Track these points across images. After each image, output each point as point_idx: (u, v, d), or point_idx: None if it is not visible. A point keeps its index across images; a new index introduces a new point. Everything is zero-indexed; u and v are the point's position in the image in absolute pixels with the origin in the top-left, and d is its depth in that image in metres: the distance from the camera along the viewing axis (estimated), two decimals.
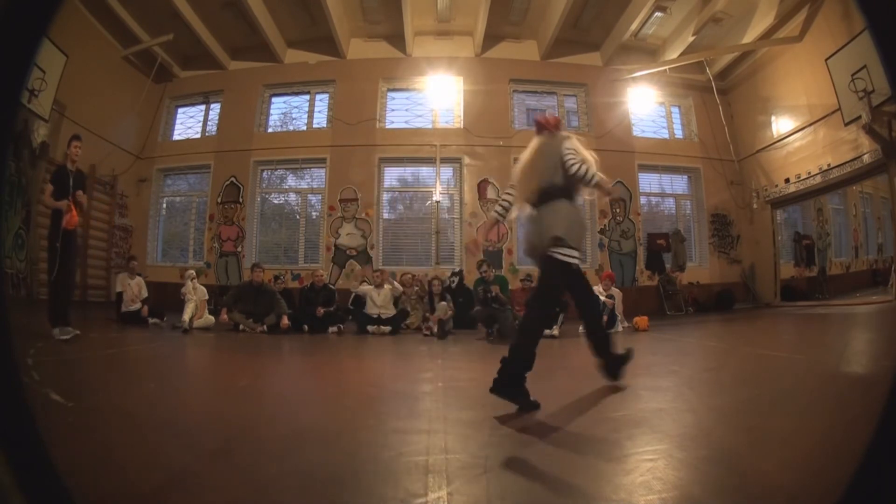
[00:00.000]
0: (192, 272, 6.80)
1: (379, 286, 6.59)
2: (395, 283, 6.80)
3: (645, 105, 9.93)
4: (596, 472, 1.46)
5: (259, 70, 9.74)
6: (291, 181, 10.02)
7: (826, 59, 7.18)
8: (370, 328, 6.31)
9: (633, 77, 9.59)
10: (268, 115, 9.99)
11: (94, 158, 7.89)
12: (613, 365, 2.76)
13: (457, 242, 9.37)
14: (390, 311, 6.52)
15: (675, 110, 10.39)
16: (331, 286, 7.25)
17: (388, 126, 9.66)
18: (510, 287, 6.81)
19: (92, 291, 8.15)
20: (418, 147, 9.36)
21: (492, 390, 2.20)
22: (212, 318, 6.47)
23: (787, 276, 9.84)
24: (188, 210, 10.10)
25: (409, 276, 7.35)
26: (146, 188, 9.66)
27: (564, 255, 2.44)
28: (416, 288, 7.07)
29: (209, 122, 10.00)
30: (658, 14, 8.69)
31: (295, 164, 9.75)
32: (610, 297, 6.14)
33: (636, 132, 9.92)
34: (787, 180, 8.80)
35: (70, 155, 4.57)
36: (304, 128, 9.84)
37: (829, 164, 7.87)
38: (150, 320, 6.49)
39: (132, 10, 8.26)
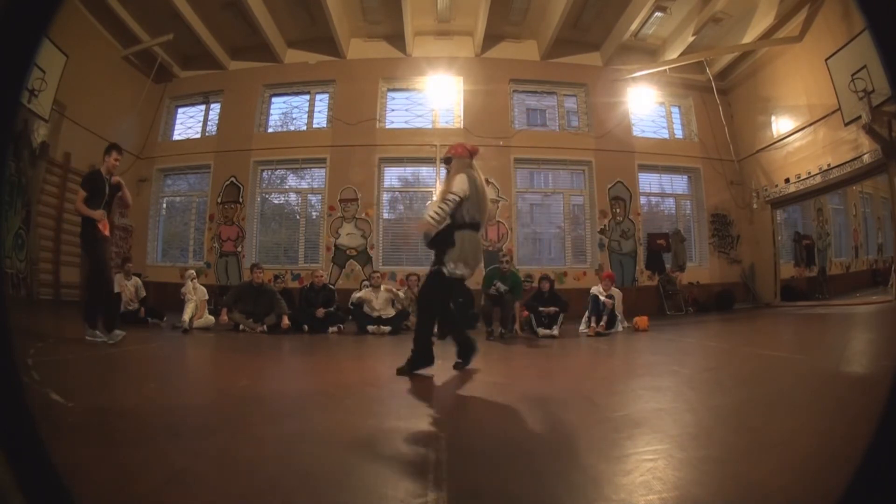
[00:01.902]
0: (192, 272, 6.79)
1: (376, 287, 6.57)
2: (394, 288, 6.74)
3: (645, 105, 9.93)
4: (596, 472, 1.46)
5: (259, 70, 9.74)
6: (291, 181, 10.03)
7: (826, 59, 7.18)
8: (370, 328, 6.31)
9: (633, 77, 9.59)
10: (268, 115, 9.99)
11: (94, 158, 7.88)
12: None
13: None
14: (390, 313, 6.52)
15: (675, 110, 10.39)
16: (330, 286, 7.25)
17: (388, 126, 9.66)
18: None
19: None
20: (418, 147, 9.36)
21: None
22: (212, 318, 6.47)
23: (787, 276, 9.83)
24: (188, 210, 10.10)
25: (415, 277, 7.30)
26: (146, 188, 9.66)
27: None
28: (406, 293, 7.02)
29: (209, 122, 10.00)
30: (658, 14, 8.68)
31: (295, 164, 9.76)
32: (610, 297, 6.13)
33: (636, 132, 9.92)
34: (787, 180, 8.80)
35: (108, 167, 4.50)
36: (304, 128, 9.84)
37: (829, 164, 7.87)
38: (150, 320, 6.50)
39: (132, 10, 8.25)
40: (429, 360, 3.23)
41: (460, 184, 3.19)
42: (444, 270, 3.18)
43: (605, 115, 9.64)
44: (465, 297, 6.87)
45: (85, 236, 4.40)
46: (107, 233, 4.43)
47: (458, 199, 3.17)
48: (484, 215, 3.33)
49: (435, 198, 3.62)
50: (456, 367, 3.31)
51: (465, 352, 3.34)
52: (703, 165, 9.97)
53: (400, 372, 3.15)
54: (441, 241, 3.25)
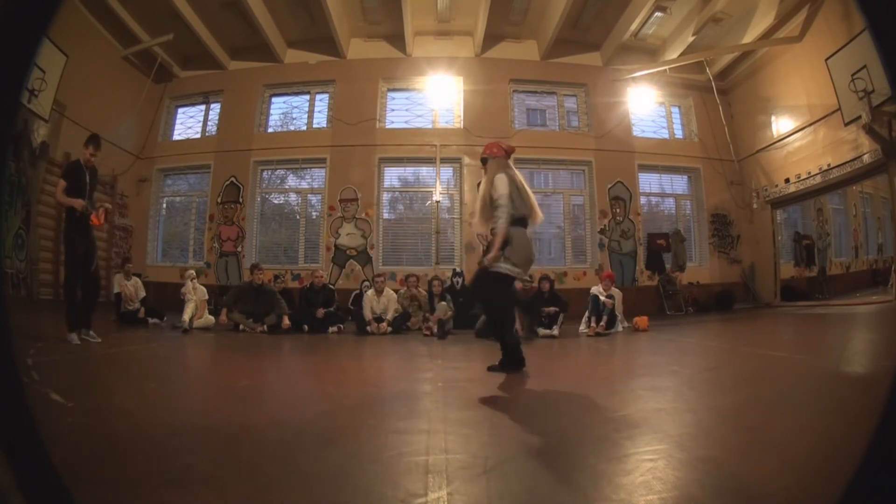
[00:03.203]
0: (192, 272, 6.80)
1: (380, 292, 6.56)
2: (395, 298, 6.70)
3: (645, 105, 9.93)
4: (596, 472, 1.46)
5: (259, 70, 9.74)
6: (291, 181, 10.03)
7: (826, 59, 7.17)
8: (370, 328, 6.30)
9: (633, 77, 9.59)
10: (268, 115, 9.99)
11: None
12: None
13: (457, 242, 9.37)
14: (390, 314, 6.51)
15: (675, 110, 10.39)
16: (330, 286, 7.25)
17: (388, 126, 9.66)
18: None
19: None
20: (418, 147, 9.36)
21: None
22: (212, 318, 6.47)
23: (787, 276, 9.83)
24: (188, 210, 10.10)
25: (414, 278, 7.29)
26: (146, 188, 9.66)
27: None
28: (412, 291, 6.99)
29: (209, 122, 10.00)
30: (658, 14, 8.68)
31: (295, 164, 9.76)
32: (610, 297, 6.13)
33: (636, 132, 9.92)
34: (787, 180, 8.80)
35: (84, 158, 4.42)
36: (304, 128, 9.84)
37: (829, 164, 7.87)
38: (150, 320, 6.50)
39: (132, 10, 8.26)
40: (518, 363, 3.17)
41: (501, 186, 3.19)
42: (488, 267, 3.14)
43: (605, 115, 9.64)
44: (465, 298, 6.87)
45: (68, 230, 4.31)
46: (99, 221, 4.33)
47: (508, 200, 3.15)
48: (530, 210, 3.28)
49: (477, 202, 3.56)
50: (490, 368, 3.22)
51: (506, 359, 3.22)
52: (703, 165, 9.97)
53: (491, 369, 3.18)
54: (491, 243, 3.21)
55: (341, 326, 6.51)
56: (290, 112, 10.13)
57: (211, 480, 1.41)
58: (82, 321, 4.29)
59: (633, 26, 8.84)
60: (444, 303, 6.32)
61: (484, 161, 3.42)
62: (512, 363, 3.20)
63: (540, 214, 3.33)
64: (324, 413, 2.31)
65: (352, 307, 6.82)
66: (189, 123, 10.18)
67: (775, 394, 2.53)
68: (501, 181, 3.20)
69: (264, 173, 9.87)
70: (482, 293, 3.35)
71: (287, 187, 10.04)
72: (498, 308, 3.29)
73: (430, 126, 9.66)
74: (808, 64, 7.87)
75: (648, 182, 10.09)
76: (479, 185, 3.51)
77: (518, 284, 3.55)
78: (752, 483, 1.34)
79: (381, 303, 6.50)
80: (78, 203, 4.26)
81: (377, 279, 6.78)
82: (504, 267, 3.09)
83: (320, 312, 6.40)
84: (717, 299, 9.19)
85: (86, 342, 4.24)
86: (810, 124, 8.21)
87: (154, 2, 8.04)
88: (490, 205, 3.21)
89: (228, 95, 9.82)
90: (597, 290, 6.24)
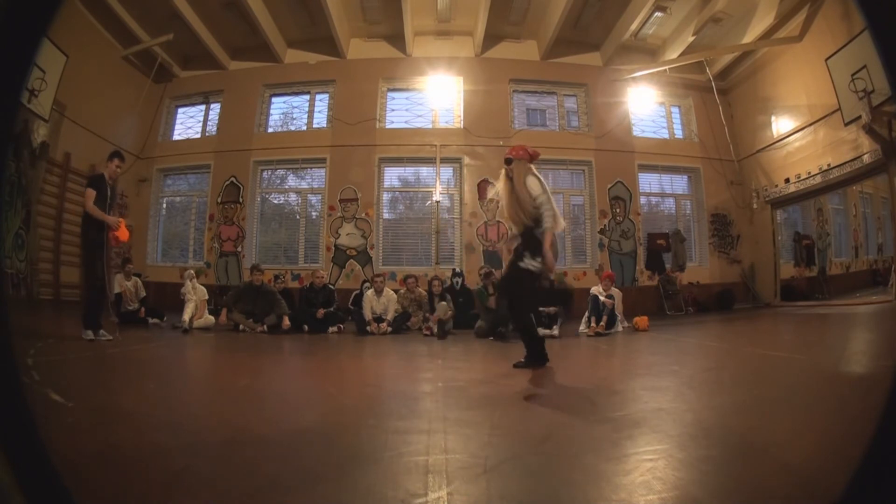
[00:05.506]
0: (192, 272, 6.80)
1: (380, 292, 6.56)
2: (395, 298, 6.69)
3: (645, 105, 9.93)
4: (596, 472, 1.46)
5: (259, 70, 9.74)
6: (291, 181, 10.03)
7: (826, 59, 7.18)
8: (370, 328, 6.30)
9: (633, 77, 9.59)
10: (268, 115, 9.99)
11: (94, 158, 7.90)
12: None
13: (457, 242, 9.37)
14: (390, 314, 6.51)
15: (675, 110, 10.39)
16: (330, 286, 7.25)
17: (388, 126, 9.66)
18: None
19: None
20: (418, 147, 9.37)
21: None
22: (212, 318, 6.47)
23: (787, 276, 9.83)
24: (188, 210, 10.10)
25: (413, 279, 7.28)
26: (146, 188, 9.66)
27: None
28: (415, 293, 6.99)
29: (209, 122, 10.00)
30: (658, 14, 8.69)
31: (295, 164, 9.76)
32: (610, 297, 6.13)
33: (636, 132, 9.92)
34: (787, 180, 8.80)
35: (110, 172, 4.62)
36: (304, 128, 9.84)
37: (829, 164, 7.87)
38: (151, 320, 6.50)
39: (132, 10, 8.26)
40: (542, 359, 3.35)
41: (536, 187, 3.35)
42: (530, 266, 3.29)
43: (605, 115, 9.65)
44: (465, 298, 6.88)
45: (86, 238, 4.49)
46: (125, 238, 4.58)
47: (548, 198, 3.34)
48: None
49: (503, 199, 3.70)
50: (515, 365, 3.36)
51: (530, 354, 3.36)
52: (703, 165, 9.98)
53: (517, 366, 3.34)
54: (530, 243, 3.36)
55: (341, 326, 6.51)
56: (290, 112, 10.13)
57: (211, 480, 1.41)
58: (98, 321, 4.45)
59: (633, 26, 8.84)
60: (444, 303, 6.32)
61: (508, 161, 3.48)
62: (536, 359, 3.34)
63: (563, 221, 3.50)
64: (324, 413, 2.31)
65: (352, 307, 6.82)
66: (189, 123, 10.19)
67: (775, 394, 2.53)
68: (535, 182, 3.34)
69: (264, 173, 9.87)
70: (513, 290, 3.48)
71: (287, 187, 10.04)
72: (526, 305, 3.48)
73: (430, 126, 9.66)
74: (808, 64, 7.88)
75: (648, 182, 10.09)
76: (496, 185, 3.64)
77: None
78: (752, 483, 1.34)
79: (381, 303, 6.50)
80: (113, 221, 4.47)
81: (377, 279, 6.77)
82: (533, 265, 3.27)
83: (320, 313, 6.41)
84: (717, 299, 9.19)
85: (99, 340, 4.36)
86: (810, 124, 8.21)
87: (154, 2, 8.04)
88: (525, 204, 3.35)
89: (228, 95, 9.83)
90: (597, 290, 6.24)
